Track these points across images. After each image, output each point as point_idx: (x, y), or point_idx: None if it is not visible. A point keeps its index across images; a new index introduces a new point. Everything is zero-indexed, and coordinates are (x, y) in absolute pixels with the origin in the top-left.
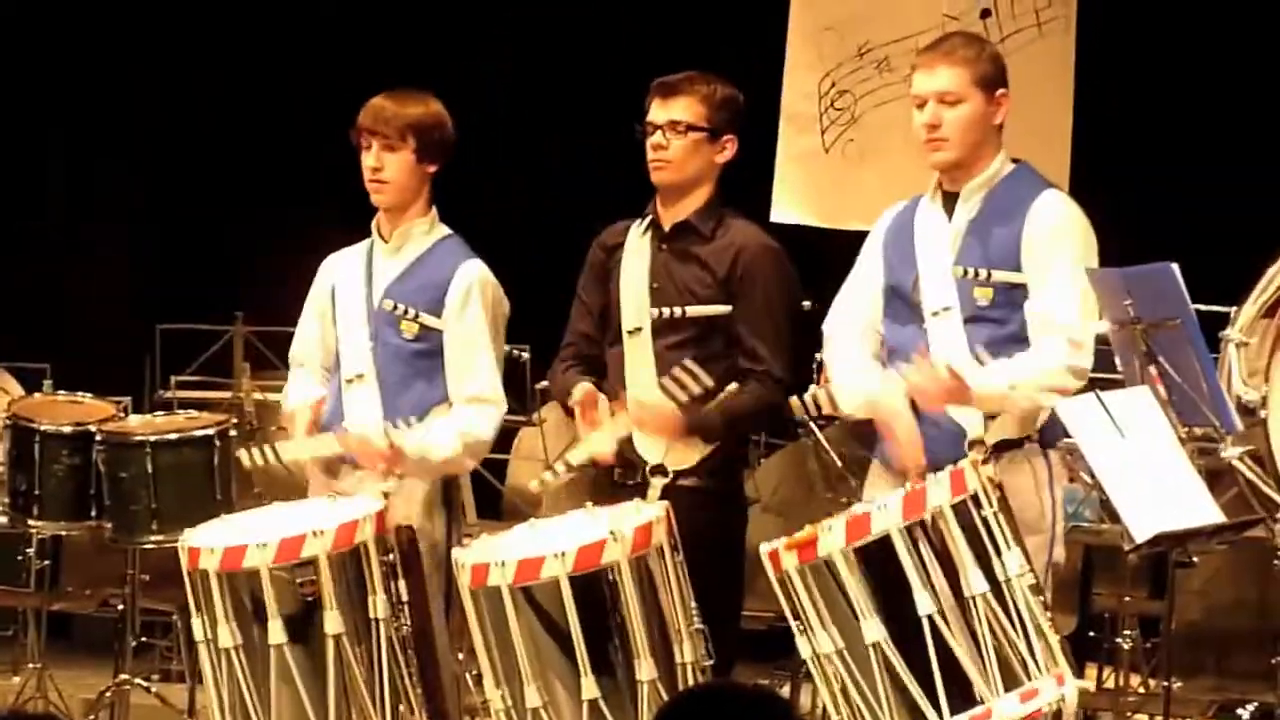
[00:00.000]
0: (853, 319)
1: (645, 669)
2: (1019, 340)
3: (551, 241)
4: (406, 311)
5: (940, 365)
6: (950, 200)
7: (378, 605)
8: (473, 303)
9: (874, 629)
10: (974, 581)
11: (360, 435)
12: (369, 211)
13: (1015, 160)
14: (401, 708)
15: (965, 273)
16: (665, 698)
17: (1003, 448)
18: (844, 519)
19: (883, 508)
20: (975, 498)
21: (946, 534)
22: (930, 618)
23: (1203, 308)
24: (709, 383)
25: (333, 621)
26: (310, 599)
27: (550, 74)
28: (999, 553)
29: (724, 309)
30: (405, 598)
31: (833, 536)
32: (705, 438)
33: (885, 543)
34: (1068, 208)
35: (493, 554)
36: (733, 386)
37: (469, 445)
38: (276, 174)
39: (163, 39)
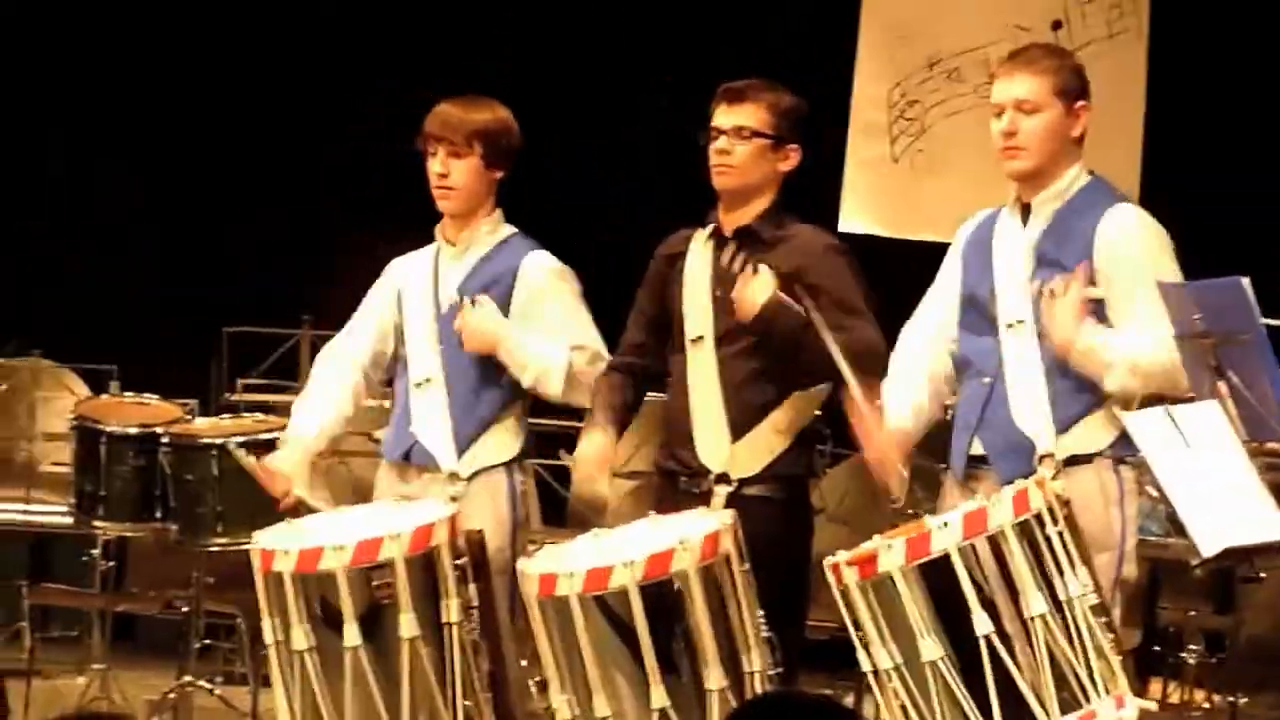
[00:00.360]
0: (925, 326)
1: (714, 677)
2: None
3: (622, 246)
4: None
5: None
6: (1026, 212)
7: (450, 609)
8: (549, 288)
9: (931, 647)
10: (1033, 603)
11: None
12: (430, 217)
13: (1090, 173)
14: (470, 712)
15: (1040, 288)
16: (734, 706)
17: (1073, 462)
18: (904, 536)
19: (943, 526)
20: (1039, 516)
21: (1008, 554)
22: (988, 638)
23: (1272, 322)
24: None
25: (408, 624)
26: (386, 602)
27: (606, 79)
28: (1062, 572)
29: (798, 309)
30: (474, 602)
31: (893, 554)
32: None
33: (945, 561)
34: (1139, 222)
35: (560, 564)
36: (795, 397)
37: (576, 372)
38: (334, 172)
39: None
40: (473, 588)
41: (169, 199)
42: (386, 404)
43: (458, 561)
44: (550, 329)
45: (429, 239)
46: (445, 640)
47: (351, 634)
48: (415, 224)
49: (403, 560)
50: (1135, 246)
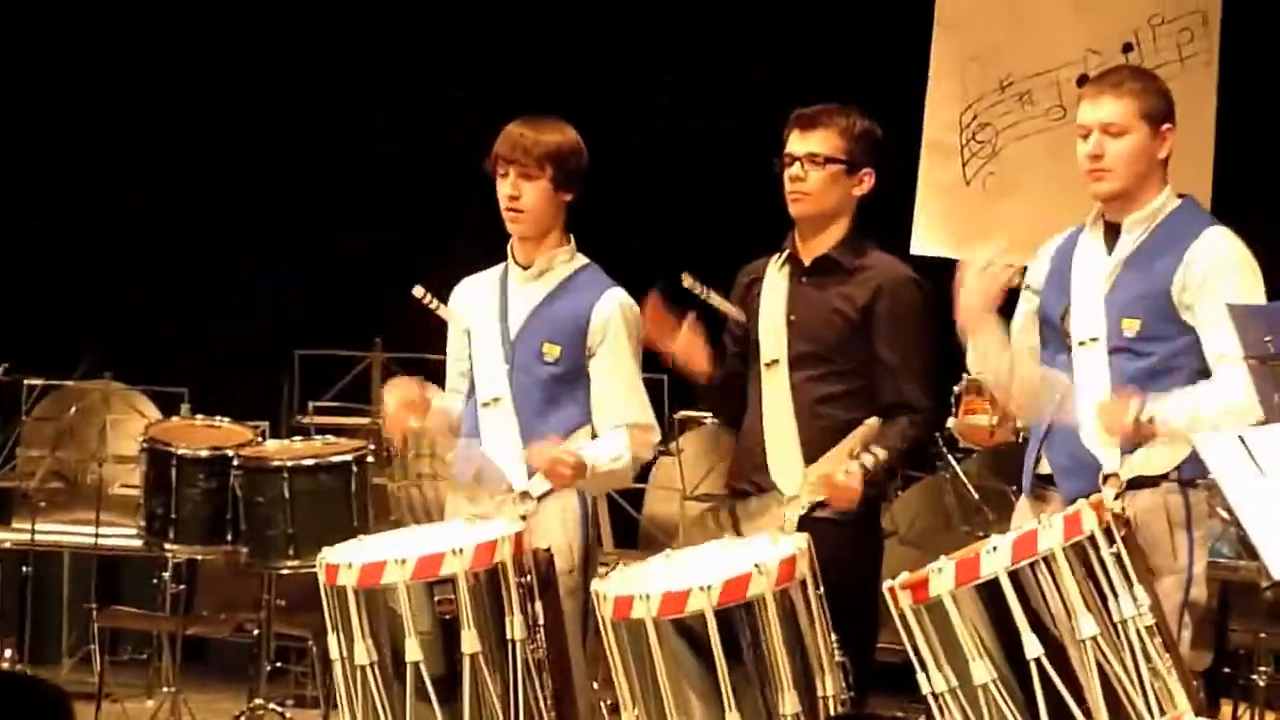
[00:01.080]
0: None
1: (788, 702)
2: (1161, 374)
3: (693, 269)
4: (550, 337)
5: (1131, 403)
6: (1111, 231)
7: (515, 626)
8: (617, 332)
9: (983, 671)
10: (1084, 625)
11: (547, 449)
12: (505, 234)
13: (1181, 195)
14: None
15: (1115, 309)
16: None
17: (1139, 484)
18: (954, 560)
19: (993, 550)
20: (1093, 538)
21: (1059, 576)
22: (1038, 660)
23: None
24: None
25: (470, 640)
26: (448, 617)
27: (680, 108)
28: (1116, 593)
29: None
30: (541, 620)
31: (943, 578)
32: (878, 494)
33: (994, 585)
34: (1231, 244)
35: (635, 586)
36: (873, 421)
37: (636, 460)
38: (406, 200)
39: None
40: (539, 605)
41: (244, 221)
42: None
43: (523, 579)
44: (598, 377)
45: (498, 258)
46: (509, 657)
47: (412, 649)
48: (489, 246)
49: (464, 575)
50: (1224, 266)
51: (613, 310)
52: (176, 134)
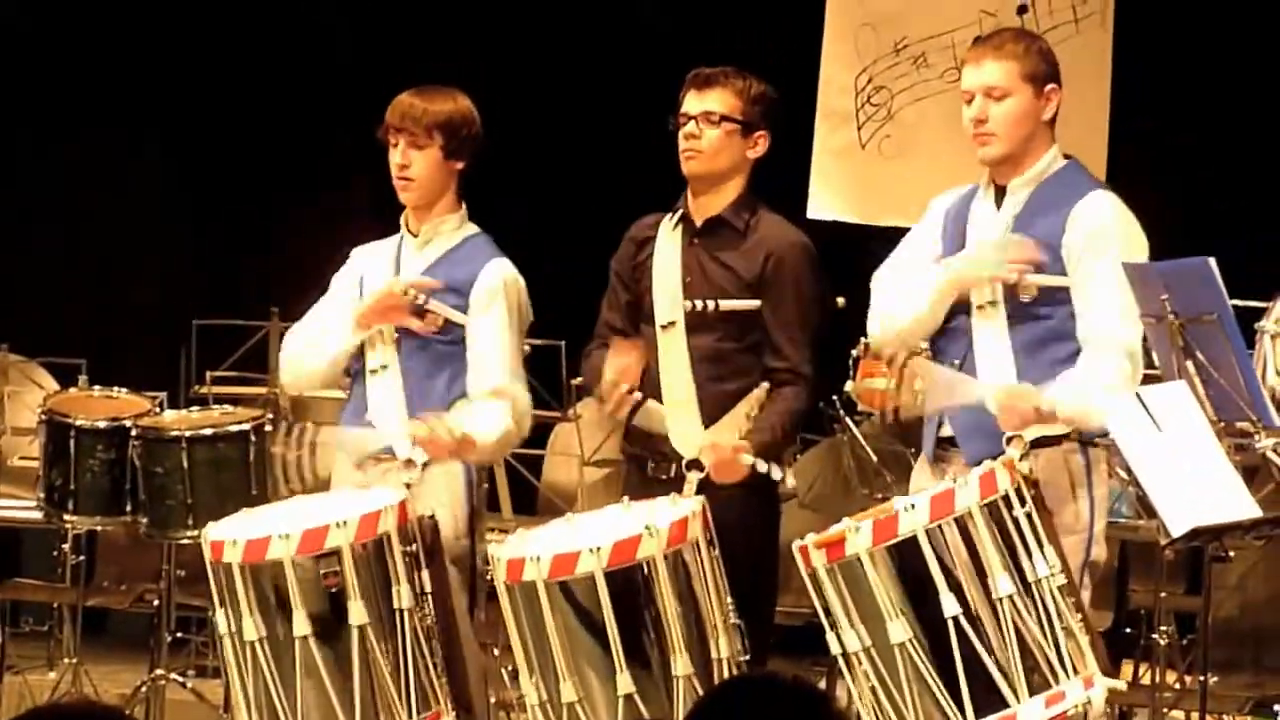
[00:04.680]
0: (904, 277)
1: (681, 664)
2: (1059, 338)
3: (587, 236)
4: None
5: (1028, 393)
6: (1001, 194)
7: (402, 595)
8: (498, 299)
9: (900, 629)
10: (1001, 584)
11: (429, 426)
12: (399, 204)
13: (1067, 156)
14: (426, 698)
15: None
16: (701, 693)
17: (1041, 444)
18: (871, 519)
19: (910, 508)
20: (1006, 497)
21: (975, 535)
22: (956, 619)
23: (1239, 303)
24: None
25: (357, 612)
26: (334, 590)
27: (576, 68)
28: (1030, 553)
29: (754, 304)
30: (428, 589)
31: (860, 536)
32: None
33: (913, 543)
34: (1113, 209)
35: (528, 549)
36: (763, 387)
37: (518, 433)
38: (301, 167)
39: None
40: (425, 574)
41: (139, 192)
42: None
43: (408, 548)
44: (475, 341)
45: (392, 230)
46: (398, 627)
47: (300, 623)
48: (378, 215)
49: (349, 548)
50: (1104, 235)
51: (495, 281)
52: (73, 104)
